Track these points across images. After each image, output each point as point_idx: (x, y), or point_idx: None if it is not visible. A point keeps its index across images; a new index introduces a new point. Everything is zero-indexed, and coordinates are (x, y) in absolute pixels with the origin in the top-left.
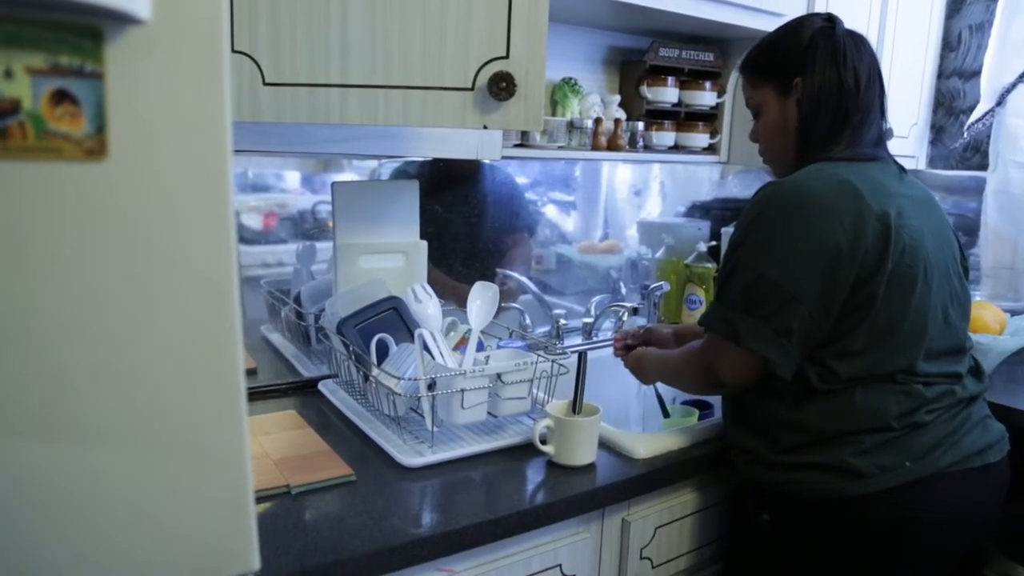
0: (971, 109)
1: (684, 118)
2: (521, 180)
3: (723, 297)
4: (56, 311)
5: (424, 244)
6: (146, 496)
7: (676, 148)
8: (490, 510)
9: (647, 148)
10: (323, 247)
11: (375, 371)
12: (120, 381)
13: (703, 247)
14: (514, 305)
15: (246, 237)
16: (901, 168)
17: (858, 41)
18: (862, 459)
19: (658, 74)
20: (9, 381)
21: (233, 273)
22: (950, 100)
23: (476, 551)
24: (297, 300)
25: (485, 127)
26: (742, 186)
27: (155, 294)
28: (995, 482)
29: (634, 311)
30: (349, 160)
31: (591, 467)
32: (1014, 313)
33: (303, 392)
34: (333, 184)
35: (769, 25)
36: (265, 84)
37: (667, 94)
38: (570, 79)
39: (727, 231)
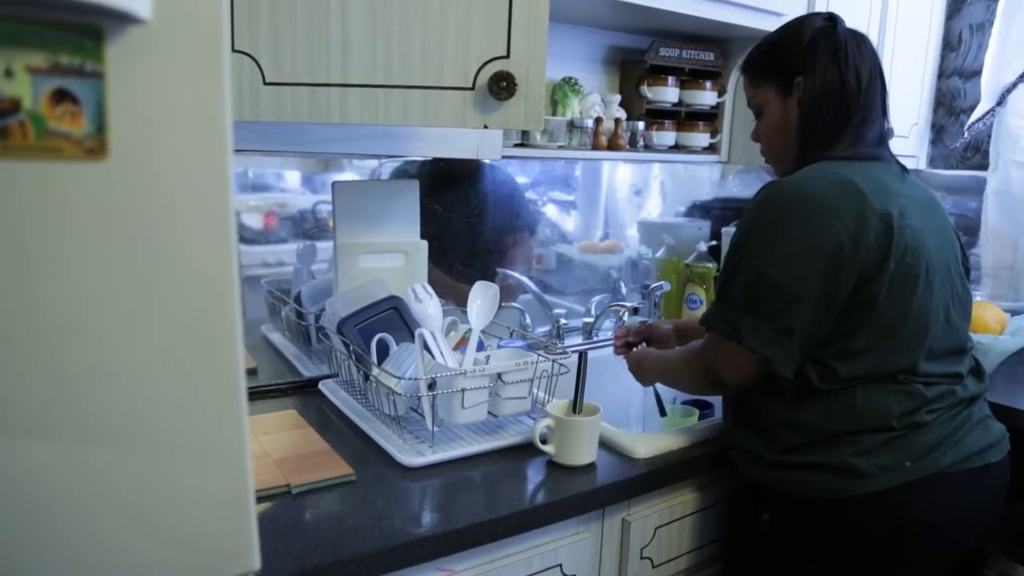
0: (971, 109)
1: (684, 118)
2: (521, 180)
3: (724, 297)
4: (56, 311)
5: (424, 244)
6: (146, 496)
7: (676, 148)
8: (490, 510)
9: (647, 148)
10: (323, 247)
11: (375, 371)
12: (120, 381)
13: (703, 247)
14: (514, 305)
15: (246, 237)
16: (903, 168)
17: (859, 40)
18: (862, 459)
19: (658, 74)
20: (9, 381)
21: (233, 273)
22: (950, 100)
23: (476, 551)
24: (297, 300)
25: (485, 127)
26: (742, 186)
27: (155, 294)
28: (995, 482)
29: (634, 311)
30: (349, 160)
31: (591, 467)
32: (1014, 313)
33: (303, 392)
34: (333, 184)
35: (770, 25)
36: (265, 84)
37: (667, 94)
38: (570, 79)
39: (727, 231)
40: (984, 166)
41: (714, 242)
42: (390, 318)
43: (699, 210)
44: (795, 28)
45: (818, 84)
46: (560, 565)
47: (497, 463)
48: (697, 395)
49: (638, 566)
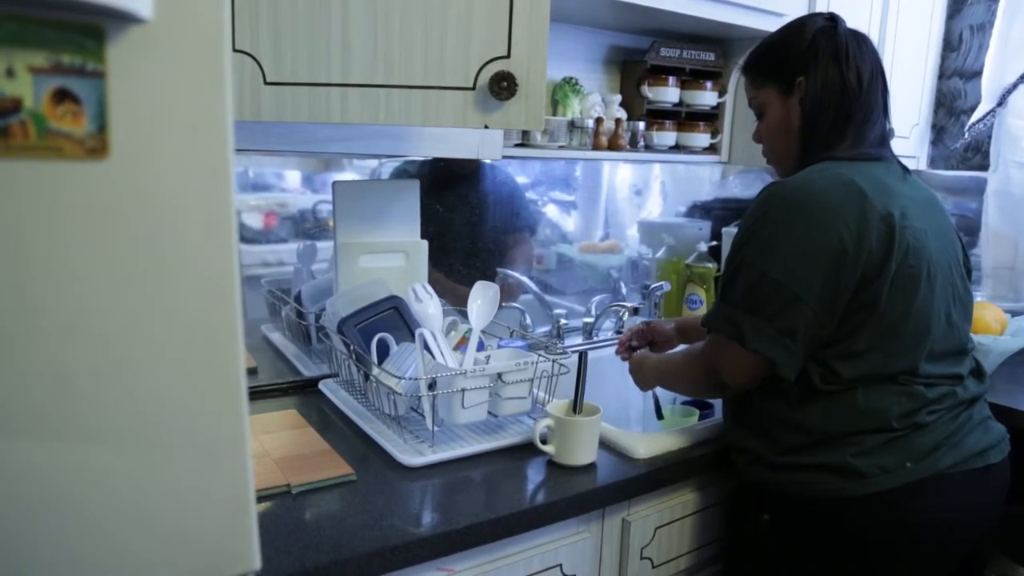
0: (972, 109)
1: (685, 118)
2: (522, 180)
3: (727, 297)
4: (56, 311)
5: (425, 243)
6: (146, 496)
7: (677, 148)
8: (490, 510)
9: (648, 148)
10: (324, 246)
11: (376, 370)
12: (121, 380)
13: (704, 247)
14: (515, 305)
15: (247, 236)
16: (905, 168)
17: (860, 40)
18: (863, 460)
19: (659, 74)
20: (9, 381)
21: (234, 272)
22: (951, 100)
23: (476, 551)
24: (298, 299)
25: (486, 127)
26: (743, 186)
27: (156, 293)
28: (996, 483)
29: (635, 311)
30: (350, 159)
31: (591, 467)
32: (1014, 313)
33: (304, 391)
34: (334, 183)
35: (770, 25)
36: (266, 83)
37: (668, 94)
38: (571, 79)
39: (728, 231)
40: (984, 167)
41: (714, 242)
42: (390, 318)
43: (699, 210)
44: (796, 28)
45: (819, 84)
46: (560, 565)
47: (497, 463)
48: (698, 398)
49: (638, 566)
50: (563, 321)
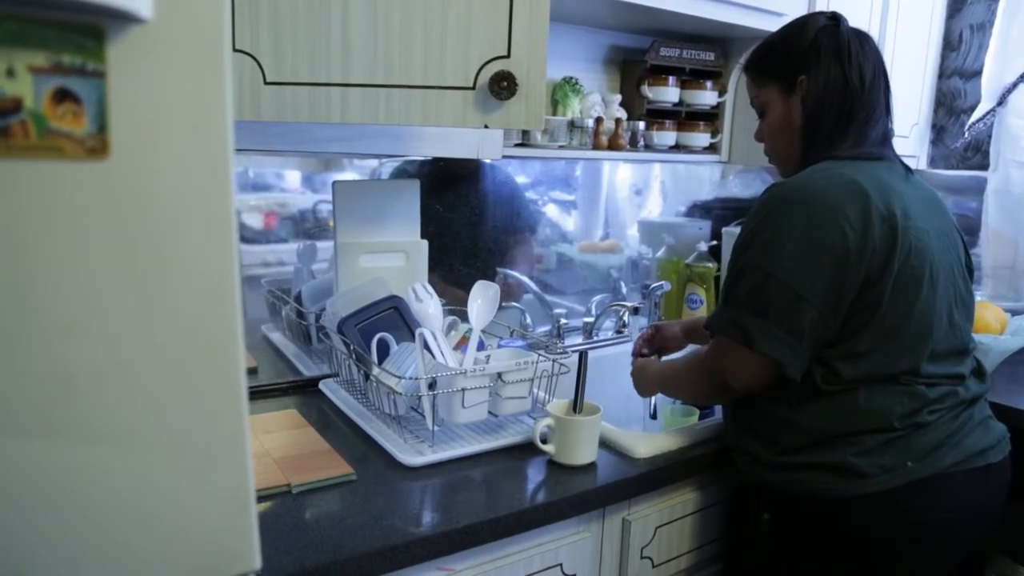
0: (972, 109)
1: (685, 118)
2: (522, 179)
3: (731, 300)
4: (56, 310)
5: (425, 243)
6: (146, 496)
7: (677, 148)
8: (491, 509)
9: (648, 147)
10: (324, 246)
11: (376, 370)
12: (121, 380)
13: (704, 247)
14: (515, 304)
15: (247, 236)
16: (907, 168)
17: (863, 39)
18: (864, 459)
19: (659, 73)
20: (9, 381)
21: (234, 272)
22: (951, 100)
23: (476, 550)
24: (298, 299)
25: (486, 126)
26: (743, 186)
27: (156, 293)
28: (997, 482)
29: (635, 311)
30: (350, 159)
31: (592, 466)
32: (1015, 313)
33: (304, 391)
34: (334, 183)
35: (770, 24)
36: (266, 83)
37: (668, 93)
38: (571, 78)
39: (728, 231)
40: (984, 166)
41: (714, 242)
42: (390, 318)
43: (699, 210)
44: (798, 27)
45: (821, 83)
46: (560, 565)
47: (497, 463)
48: (702, 403)
49: (638, 565)
50: (563, 321)
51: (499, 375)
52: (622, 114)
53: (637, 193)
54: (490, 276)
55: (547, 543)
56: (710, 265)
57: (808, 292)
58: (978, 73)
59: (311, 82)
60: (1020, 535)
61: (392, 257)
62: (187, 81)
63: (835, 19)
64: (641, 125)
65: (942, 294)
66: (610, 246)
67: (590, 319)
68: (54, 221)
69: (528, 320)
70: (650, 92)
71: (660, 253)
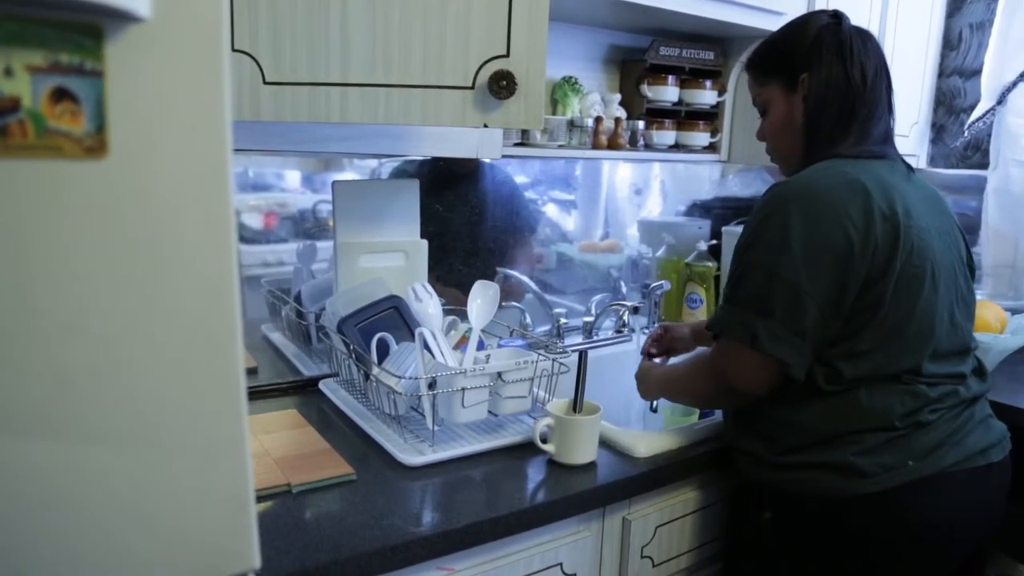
0: (972, 108)
1: (684, 117)
2: (521, 179)
3: (735, 300)
4: (55, 310)
5: (424, 243)
6: (146, 496)
7: (676, 147)
8: (491, 509)
9: (647, 147)
10: (323, 246)
11: (376, 370)
12: (120, 380)
13: (704, 246)
14: (514, 304)
15: (246, 236)
16: (909, 167)
17: (865, 37)
18: (865, 458)
19: (658, 73)
20: (9, 381)
21: (233, 272)
22: (951, 99)
23: (476, 550)
24: (298, 299)
25: (485, 126)
26: (743, 185)
27: (155, 293)
28: (997, 481)
29: (635, 310)
30: (349, 159)
31: (592, 466)
32: (1015, 312)
33: (304, 391)
34: (333, 183)
35: (770, 24)
36: (265, 83)
37: (667, 93)
38: (570, 78)
39: (728, 230)
40: (984, 165)
41: (714, 241)
42: (390, 317)
43: (699, 209)
44: (800, 25)
45: (823, 81)
46: (560, 564)
47: (497, 462)
48: (705, 408)
49: (638, 565)
50: (563, 320)
51: (499, 375)
52: (622, 113)
53: (637, 192)
54: (490, 276)
55: (547, 542)
56: (710, 264)
57: (813, 291)
58: (978, 72)
59: (310, 82)
60: (1021, 534)
61: (392, 257)
62: (186, 80)
63: (837, 17)
64: (641, 124)
65: (944, 293)
66: (610, 246)
67: (590, 319)
68: (52, 221)
69: (528, 320)
70: (650, 91)
71: (660, 252)
